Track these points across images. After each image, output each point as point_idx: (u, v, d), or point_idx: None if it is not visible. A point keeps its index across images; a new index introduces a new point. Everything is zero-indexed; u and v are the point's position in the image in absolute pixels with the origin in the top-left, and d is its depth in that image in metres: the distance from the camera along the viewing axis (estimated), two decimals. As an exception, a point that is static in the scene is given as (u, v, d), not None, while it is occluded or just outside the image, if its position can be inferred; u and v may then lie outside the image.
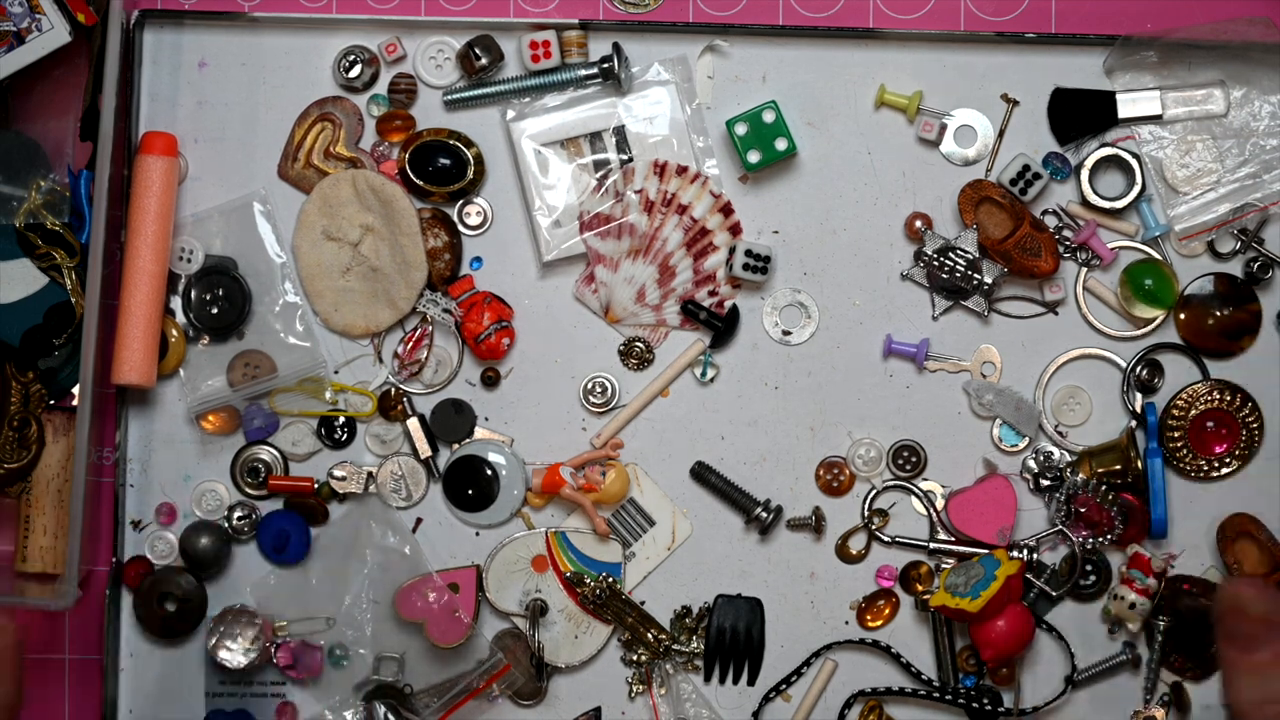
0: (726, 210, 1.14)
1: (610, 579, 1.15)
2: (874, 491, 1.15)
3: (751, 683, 1.16)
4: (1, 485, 1.13)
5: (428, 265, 1.14)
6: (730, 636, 1.15)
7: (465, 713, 1.14)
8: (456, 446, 1.15)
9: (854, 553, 1.15)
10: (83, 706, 1.16)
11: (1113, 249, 1.14)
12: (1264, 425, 1.15)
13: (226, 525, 1.15)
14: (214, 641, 1.14)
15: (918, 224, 1.14)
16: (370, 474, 1.15)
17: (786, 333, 1.15)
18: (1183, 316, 1.15)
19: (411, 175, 1.14)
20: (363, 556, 1.14)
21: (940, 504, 1.15)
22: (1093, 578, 1.15)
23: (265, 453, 1.15)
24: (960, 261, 1.13)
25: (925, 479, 1.15)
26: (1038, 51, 1.14)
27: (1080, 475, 1.14)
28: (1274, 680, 1.04)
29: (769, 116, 1.12)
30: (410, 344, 1.15)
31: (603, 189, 1.14)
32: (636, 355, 1.15)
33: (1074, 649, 1.14)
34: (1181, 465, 1.14)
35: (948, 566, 1.14)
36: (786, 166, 1.15)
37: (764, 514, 1.14)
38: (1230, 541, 1.13)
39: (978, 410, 1.14)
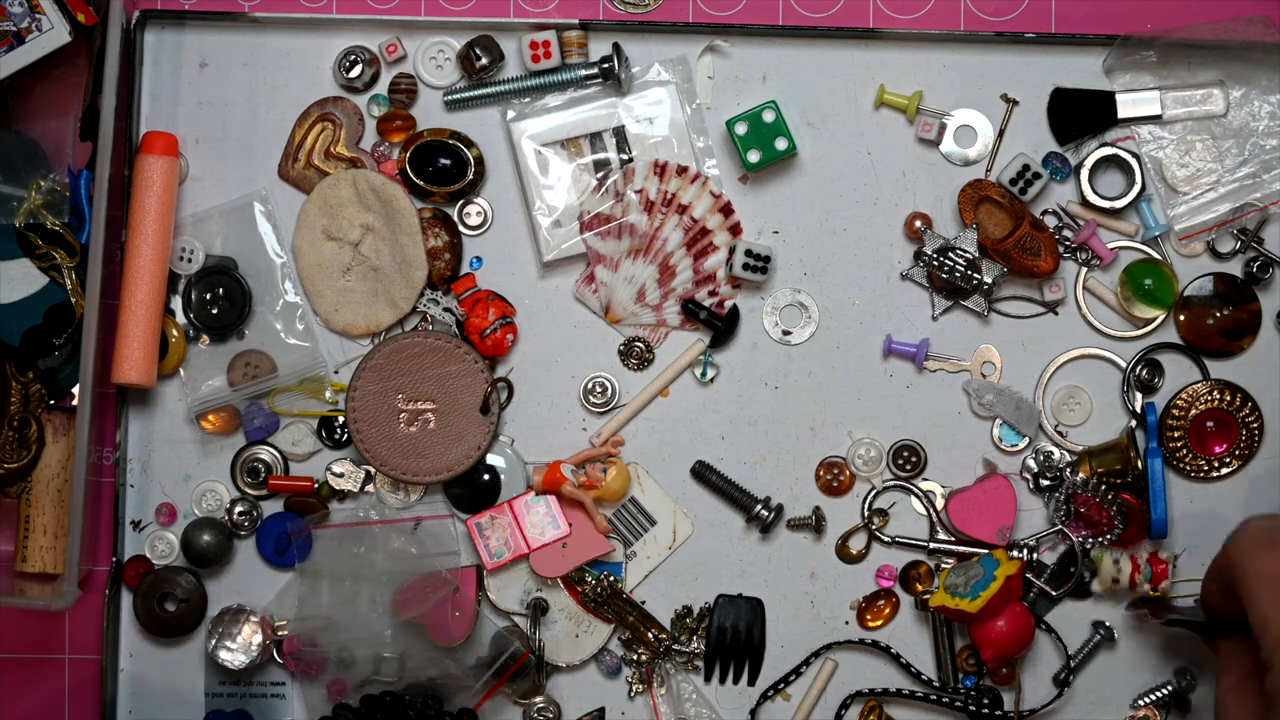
0: (726, 210, 1.14)
1: (611, 578, 1.15)
2: (874, 491, 1.15)
3: (752, 683, 1.16)
4: (1, 485, 1.14)
5: (428, 265, 1.14)
6: (731, 636, 1.15)
7: (483, 710, 1.14)
8: (456, 446, 1.16)
9: (854, 553, 1.15)
10: (83, 706, 1.16)
11: (1112, 249, 1.15)
12: (1264, 425, 1.15)
13: (227, 520, 1.15)
14: (214, 642, 1.14)
15: (918, 224, 1.14)
16: (368, 473, 1.15)
17: (786, 333, 1.15)
18: (1183, 316, 1.15)
19: (412, 175, 1.14)
20: (373, 559, 1.14)
21: (940, 504, 1.15)
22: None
23: (265, 453, 1.15)
24: (960, 261, 1.13)
25: (925, 479, 1.15)
26: (1038, 51, 1.14)
27: (1080, 475, 1.14)
28: None
29: (769, 116, 1.12)
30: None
31: (603, 189, 1.14)
32: (636, 355, 1.15)
33: (1071, 650, 1.14)
34: (1181, 465, 1.14)
35: (948, 566, 1.14)
36: (786, 166, 1.15)
37: (765, 512, 1.14)
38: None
39: (978, 410, 1.14)
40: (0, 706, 1.16)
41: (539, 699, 1.15)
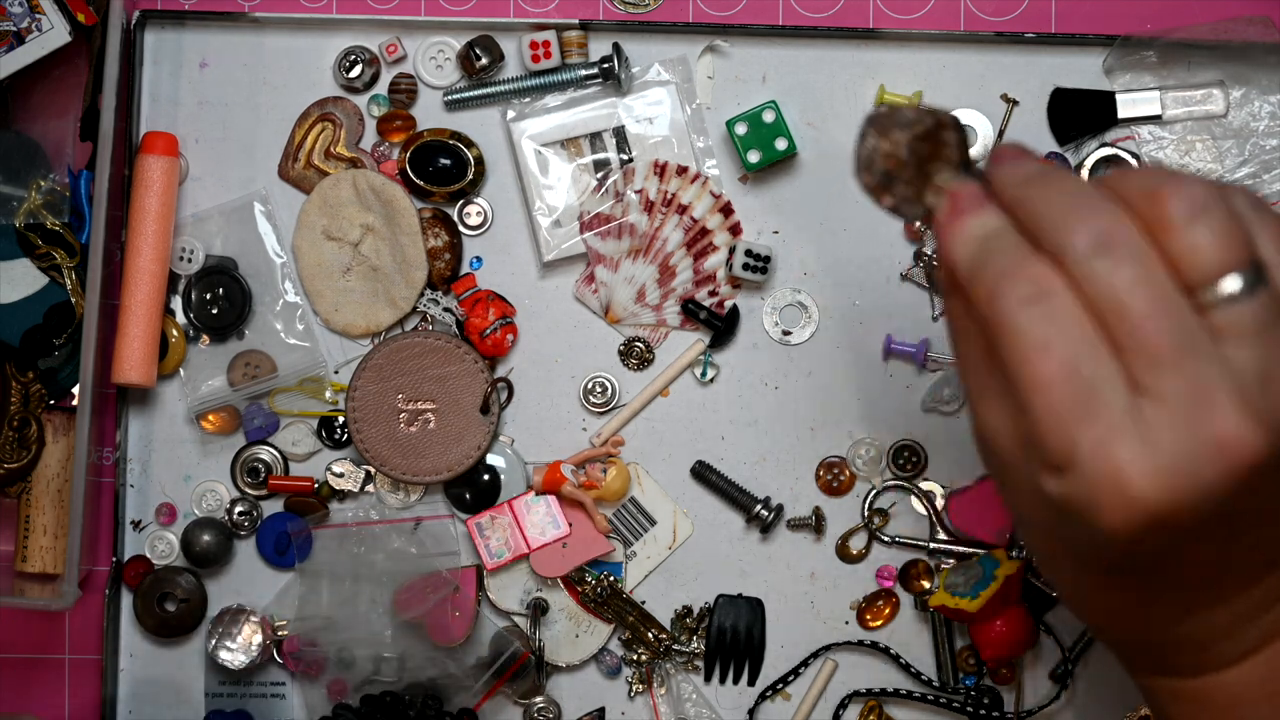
0: (726, 210, 1.14)
1: (611, 578, 1.15)
2: (874, 491, 1.15)
3: (752, 683, 1.16)
4: (1, 485, 1.14)
5: (428, 265, 1.14)
6: (731, 636, 1.15)
7: (483, 710, 1.14)
8: (456, 446, 1.16)
9: (854, 553, 1.15)
10: (83, 706, 1.16)
11: (1113, 249, 1.14)
12: (1264, 425, 1.15)
13: (227, 520, 1.15)
14: (214, 642, 1.14)
15: (918, 224, 1.14)
16: (368, 473, 1.15)
17: (786, 333, 1.15)
18: (1183, 316, 1.15)
19: (412, 175, 1.14)
20: (373, 559, 1.14)
21: (940, 504, 1.15)
22: (1093, 578, 1.15)
23: (265, 453, 1.15)
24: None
25: (925, 479, 1.15)
26: (1038, 51, 1.14)
27: (1080, 475, 1.13)
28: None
29: (769, 116, 1.12)
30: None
31: (603, 189, 1.14)
32: (636, 355, 1.15)
33: (1070, 650, 1.14)
34: (1182, 465, 1.14)
35: (948, 566, 1.14)
36: (786, 166, 1.15)
37: (765, 512, 1.14)
38: None
39: (946, 410, 1.14)
40: (0, 706, 1.16)
41: (539, 699, 1.15)
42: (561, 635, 1.15)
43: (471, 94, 1.15)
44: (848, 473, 1.15)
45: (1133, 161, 1.14)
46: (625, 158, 1.14)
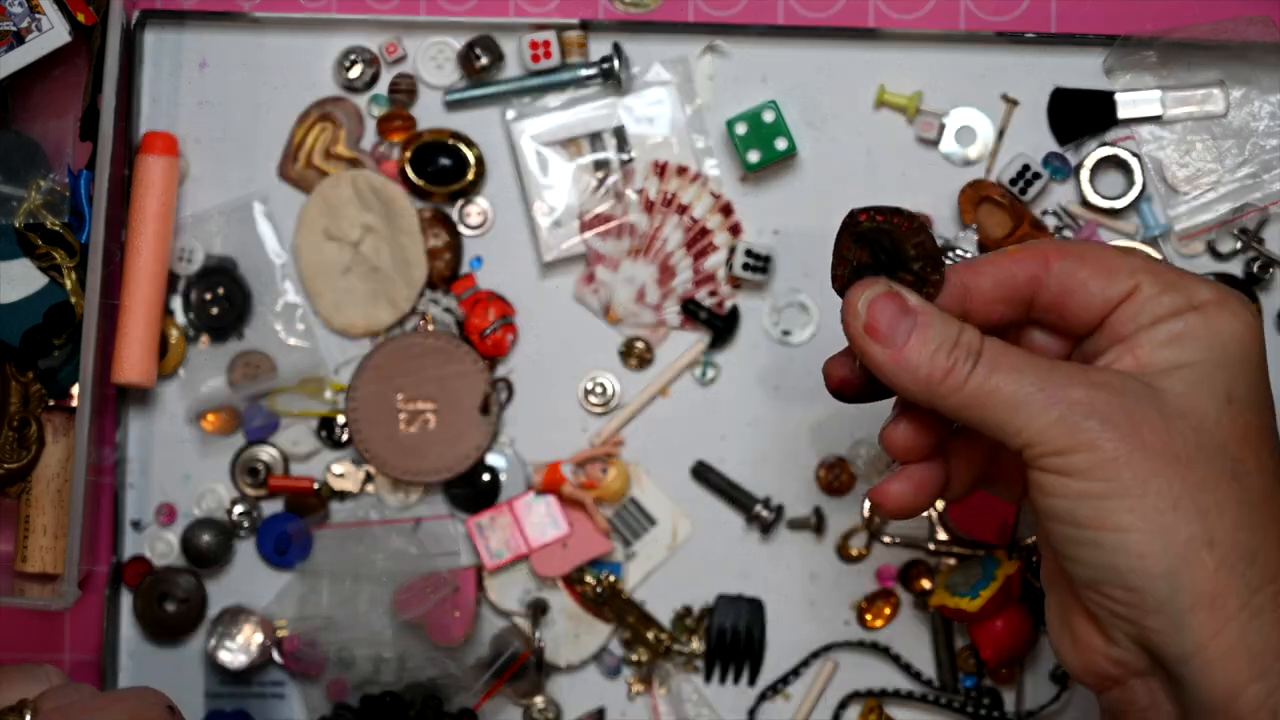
0: (726, 210, 1.14)
1: (611, 578, 1.15)
2: (874, 491, 1.15)
3: (752, 683, 1.16)
4: (1, 485, 1.13)
5: (428, 265, 1.14)
6: (731, 637, 1.15)
7: (483, 710, 1.14)
8: (456, 446, 1.15)
9: (854, 553, 1.15)
10: (82, 706, 1.16)
11: (1113, 249, 1.14)
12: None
13: (227, 520, 1.15)
14: (214, 642, 1.14)
15: (918, 224, 1.14)
16: (368, 473, 1.15)
17: (786, 333, 1.15)
18: (1183, 316, 1.15)
19: (412, 175, 1.14)
20: (373, 559, 1.14)
21: (940, 504, 1.15)
22: (1093, 578, 1.15)
23: (265, 453, 1.15)
24: (960, 261, 1.13)
25: (925, 479, 1.15)
26: (1038, 51, 1.14)
27: (1080, 475, 1.13)
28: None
29: (769, 116, 1.12)
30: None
31: (603, 189, 1.14)
32: (636, 355, 1.15)
33: (1074, 649, 1.14)
34: (1182, 465, 1.14)
35: (948, 566, 1.14)
36: (786, 166, 1.15)
37: (765, 512, 1.14)
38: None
39: None
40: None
41: (539, 699, 1.15)
42: (561, 635, 1.15)
43: (471, 94, 1.15)
44: (848, 473, 1.15)
45: (1133, 161, 1.14)
46: (625, 158, 1.14)
